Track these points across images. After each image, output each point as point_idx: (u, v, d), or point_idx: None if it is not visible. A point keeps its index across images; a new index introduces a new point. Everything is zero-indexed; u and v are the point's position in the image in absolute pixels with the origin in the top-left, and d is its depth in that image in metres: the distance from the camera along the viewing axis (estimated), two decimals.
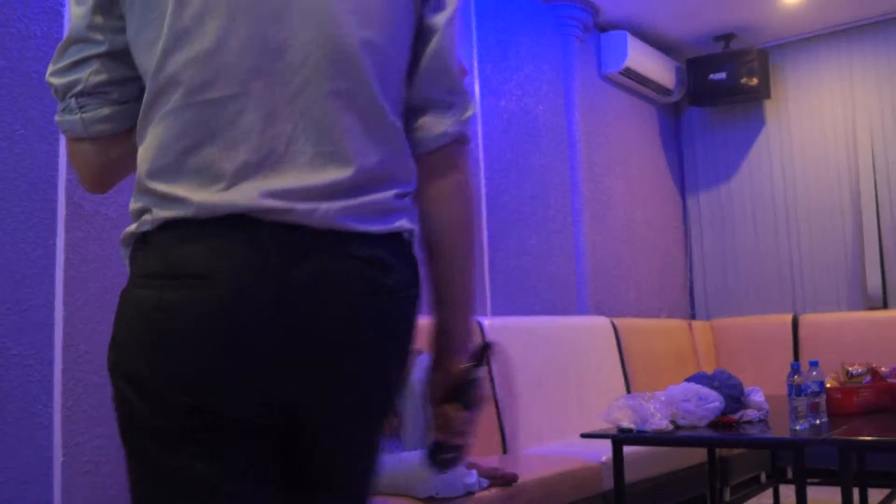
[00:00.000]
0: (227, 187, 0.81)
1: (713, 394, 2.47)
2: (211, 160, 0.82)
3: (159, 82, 0.84)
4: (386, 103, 0.88)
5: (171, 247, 0.82)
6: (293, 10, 0.85)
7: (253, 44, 0.83)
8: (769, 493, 3.62)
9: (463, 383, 1.00)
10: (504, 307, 3.71)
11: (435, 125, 0.93)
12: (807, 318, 4.49)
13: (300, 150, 0.83)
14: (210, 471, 0.81)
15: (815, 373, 2.42)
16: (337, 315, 0.83)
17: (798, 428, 2.29)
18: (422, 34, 0.93)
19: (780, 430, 2.44)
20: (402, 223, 0.89)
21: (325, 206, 0.82)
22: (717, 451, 3.21)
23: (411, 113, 0.94)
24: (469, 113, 0.95)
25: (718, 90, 4.81)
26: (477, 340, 1.02)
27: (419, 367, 2.62)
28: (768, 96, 4.89)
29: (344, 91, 0.85)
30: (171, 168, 0.83)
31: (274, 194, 0.81)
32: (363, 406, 0.91)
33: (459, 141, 0.95)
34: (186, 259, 0.81)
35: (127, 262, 0.91)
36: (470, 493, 2.30)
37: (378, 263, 0.85)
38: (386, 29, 0.88)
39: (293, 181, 0.82)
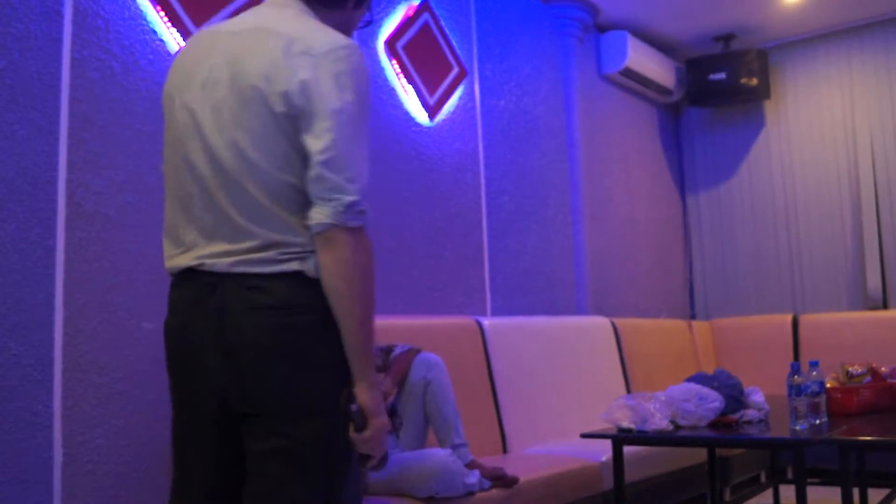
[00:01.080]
0: (182, 253, 1.35)
1: (713, 394, 2.47)
2: (180, 232, 1.37)
3: (165, 176, 1.43)
4: (272, 203, 1.29)
5: (170, 291, 1.40)
6: (199, 149, 1.33)
7: (189, 165, 1.35)
8: (769, 493, 3.62)
9: (345, 412, 1.30)
10: (503, 307, 3.71)
11: (316, 215, 1.27)
12: (807, 318, 4.49)
13: (219, 232, 1.32)
14: (190, 427, 1.38)
15: (815, 373, 2.42)
16: (231, 325, 1.29)
17: (798, 428, 2.29)
18: (305, 150, 1.29)
19: (779, 430, 2.44)
20: (291, 265, 1.29)
21: (223, 260, 1.30)
22: (717, 450, 3.20)
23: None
24: (341, 206, 1.25)
25: (718, 90, 4.81)
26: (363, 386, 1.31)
27: (416, 367, 2.64)
28: (768, 96, 4.89)
29: (238, 202, 1.30)
30: (165, 232, 1.42)
31: (201, 256, 1.32)
32: (265, 401, 1.29)
33: (338, 227, 1.26)
34: (173, 299, 1.38)
35: None
36: (470, 494, 2.30)
37: (256, 288, 1.28)
38: (261, 158, 1.29)
39: (215, 249, 1.31)
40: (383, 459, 1.35)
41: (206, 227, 1.32)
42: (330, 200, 1.25)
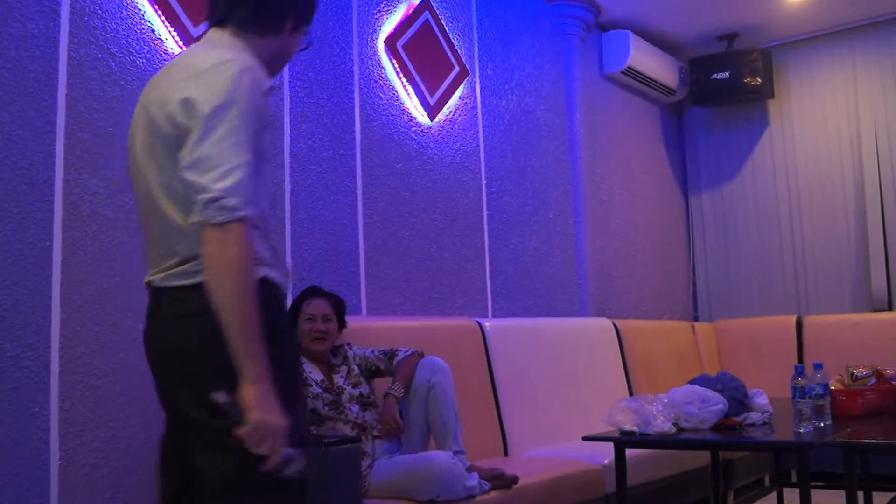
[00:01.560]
0: (149, 271, 1.51)
1: (716, 396, 2.45)
2: (148, 253, 1.52)
3: None
4: (184, 221, 1.38)
5: None
6: (138, 181, 1.49)
7: (138, 196, 1.52)
8: (773, 496, 3.60)
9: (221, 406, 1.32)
10: (505, 309, 3.69)
11: (191, 218, 1.35)
12: (811, 320, 4.46)
13: (162, 251, 1.46)
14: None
15: (819, 375, 2.40)
16: (160, 331, 1.45)
17: (802, 430, 2.27)
18: None
19: (783, 432, 2.42)
20: (202, 277, 1.37)
21: (159, 275, 1.45)
22: (721, 453, 3.18)
23: None
24: (202, 205, 1.31)
25: (721, 90, 4.79)
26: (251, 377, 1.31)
27: (420, 370, 2.62)
28: (772, 96, 4.87)
29: (163, 224, 1.44)
30: None
31: (151, 274, 1.49)
32: (188, 402, 1.40)
33: (205, 225, 1.32)
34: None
35: None
36: (471, 496, 2.28)
37: (179, 299, 1.41)
38: (168, 181, 1.41)
39: (160, 266, 1.46)
40: (289, 463, 1.30)
41: (156, 248, 1.48)
42: (195, 202, 1.32)
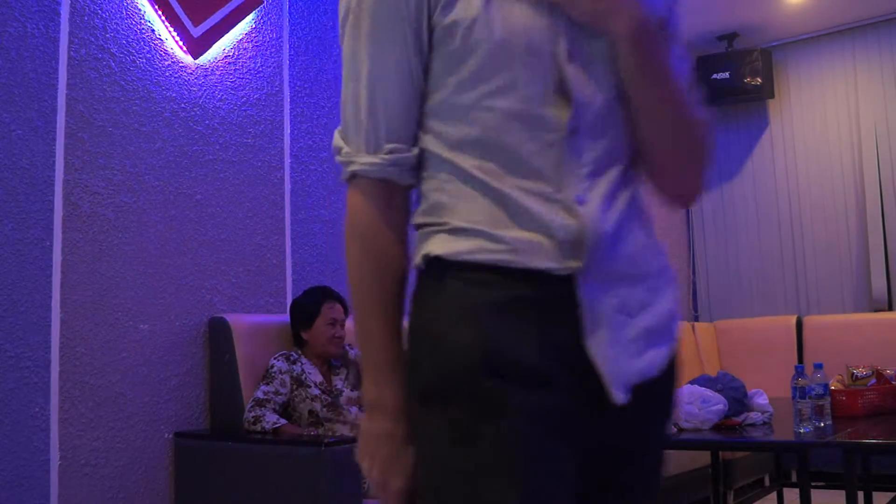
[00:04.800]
0: None
1: (716, 396, 2.45)
2: None
3: None
4: None
5: None
6: None
7: None
8: (773, 496, 3.60)
9: None
10: None
11: None
12: (811, 320, 4.46)
13: None
14: None
15: (819, 375, 2.39)
16: None
17: (802, 431, 2.27)
18: None
19: (784, 432, 2.41)
20: None
21: None
22: (721, 454, 3.18)
23: None
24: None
25: (722, 90, 4.78)
26: None
27: None
28: (772, 96, 4.87)
29: None
30: None
31: None
32: None
33: None
34: None
35: None
36: None
37: None
38: None
39: None
40: None
41: None
42: None
